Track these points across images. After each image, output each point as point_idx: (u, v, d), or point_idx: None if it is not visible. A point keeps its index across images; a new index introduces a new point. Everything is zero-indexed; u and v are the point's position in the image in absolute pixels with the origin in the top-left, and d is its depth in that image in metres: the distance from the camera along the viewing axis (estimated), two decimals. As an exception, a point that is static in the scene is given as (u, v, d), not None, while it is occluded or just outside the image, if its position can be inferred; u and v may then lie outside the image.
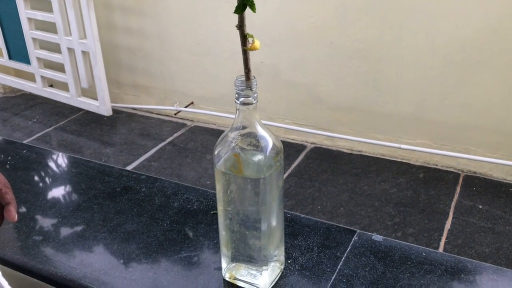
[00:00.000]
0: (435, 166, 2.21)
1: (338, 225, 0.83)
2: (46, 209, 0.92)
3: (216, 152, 0.66)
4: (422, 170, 2.19)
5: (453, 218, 1.88)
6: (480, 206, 1.93)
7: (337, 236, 0.80)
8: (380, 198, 2.02)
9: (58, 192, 0.97)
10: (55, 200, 0.94)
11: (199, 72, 2.61)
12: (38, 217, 0.89)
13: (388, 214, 1.92)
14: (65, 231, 0.85)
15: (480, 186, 2.06)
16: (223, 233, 0.70)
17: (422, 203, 1.98)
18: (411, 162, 2.25)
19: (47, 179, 1.03)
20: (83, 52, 2.58)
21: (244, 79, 0.61)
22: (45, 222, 0.88)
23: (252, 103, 0.62)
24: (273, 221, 0.68)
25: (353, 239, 0.79)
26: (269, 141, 0.64)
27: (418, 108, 2.16)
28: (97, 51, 2.51)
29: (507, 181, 2.08)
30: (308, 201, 2.01)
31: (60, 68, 2.75)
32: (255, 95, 0.62)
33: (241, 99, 0.62)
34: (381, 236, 0.79)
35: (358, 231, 0.81)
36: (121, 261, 0.78)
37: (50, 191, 0.98)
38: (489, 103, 2.02)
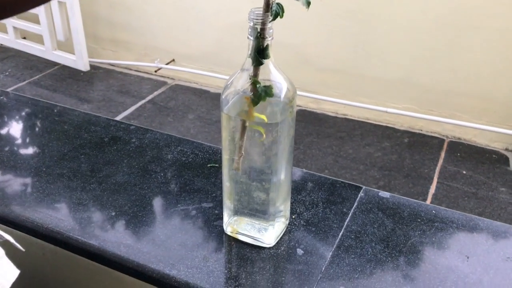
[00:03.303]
0: (420, 131, 2.19)
1: (343, 181, 0.79)
2: (28, 158, 0.85)
3: (223, 96, 0.60)
4: (407, 135, 2.18)
5: (437, 183, 1.87)
6: (464, 172, 1.93)
7: (342, 192, 0.76)
8: (364, 162, 2.00)
9: (40, 140, 0.90)
10: (38, 149, 0.88)
11: (181, 28, 2.51)
12: (20, 166, 0.83)
13: (372, 177, 1.90)
14: (50, 181, 0.79)
15: (464, 152, 2.06)
16: (227, 184, 0.65)
17: (406, 167, 1.96)
18: (396, 127, 2.23)
19: (28, 126, 0.96)
20: (60, 2, 2.44)
21: (261, 11, 0.55)
22: (28, 171, 0.81)
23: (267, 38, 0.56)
24: (282, 174, 0.64)
25: (359, 195, 0.76)
26: (283, 84, 0.59)
27: (407, 72, 2.13)
28: (74, 1, 2.37)
29: (490, 148, 2.09)
30: (293, 163, 1.98)
31: (34, 19, 2.60)
32: (271, 31, 0.56)
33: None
34: (388, 193, 0.76)
35: (364, 187, 0.77)
36: (113, 213, 0.73)
37: (31, 139, 0.91)
38: (478, 69, 2.00)
